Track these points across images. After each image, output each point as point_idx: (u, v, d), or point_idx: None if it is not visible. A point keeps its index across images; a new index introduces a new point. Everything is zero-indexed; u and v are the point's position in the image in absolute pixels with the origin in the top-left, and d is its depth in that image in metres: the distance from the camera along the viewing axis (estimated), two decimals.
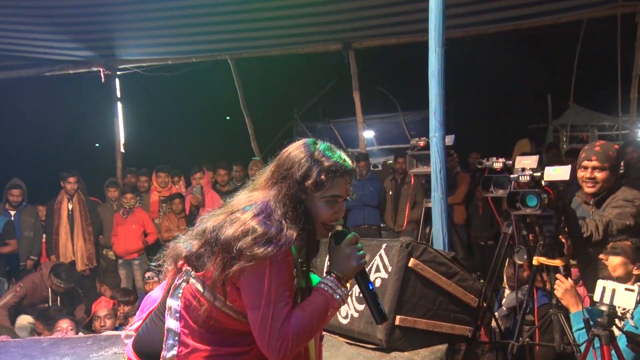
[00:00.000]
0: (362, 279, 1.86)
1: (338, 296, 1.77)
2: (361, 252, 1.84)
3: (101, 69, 8.89)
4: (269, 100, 12.07)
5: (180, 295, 1.81)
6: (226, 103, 10.02)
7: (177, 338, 1.78)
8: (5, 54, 8.40)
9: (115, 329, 5.20)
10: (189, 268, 1.82)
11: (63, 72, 8.96)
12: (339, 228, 1.88)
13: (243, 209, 1.76)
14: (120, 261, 7.39)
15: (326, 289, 1.77)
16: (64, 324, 5.05)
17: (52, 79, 9.17)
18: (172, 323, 1.80)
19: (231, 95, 9.14)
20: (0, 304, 6.05)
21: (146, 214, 7.48)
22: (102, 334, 4.75)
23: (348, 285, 1.84)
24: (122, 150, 9.18)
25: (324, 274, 1.83)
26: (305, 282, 1.88)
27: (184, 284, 1.82)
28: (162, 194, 7.78)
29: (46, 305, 6.20)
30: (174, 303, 1.81)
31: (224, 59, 8.74)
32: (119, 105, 9.27)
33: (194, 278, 1.79)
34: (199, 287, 1.77)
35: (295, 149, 1.83)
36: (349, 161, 1.85)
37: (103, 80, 8.97)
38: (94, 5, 6.94)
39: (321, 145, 1.85)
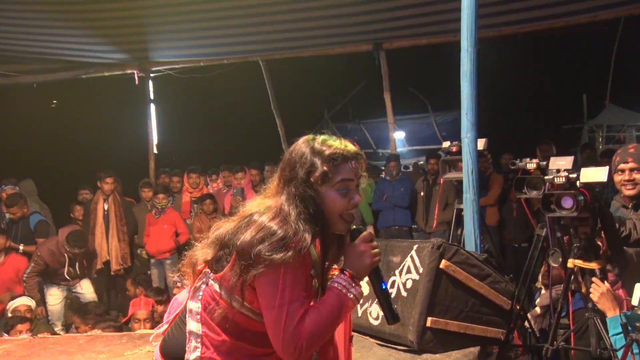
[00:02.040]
0: (376, 277, 1.82)
1: (352, 295, 1.74)
2: (375, 249, 1.80)
3: (135, 71, 9.05)
4: (300, 101, 12.12)
5: (200, 297, 1.83)
6: (257, 104, 10.09)
7: (199, 340, 1.80)
8: (44, 58, 8.62)
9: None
10: (208, 270, 1.83)
11: (98, 74, 9.16)
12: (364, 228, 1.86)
13: (259, 213, 1.75)
14: (152, 260, 7.50)
15: (340, 288, 1.74)
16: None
17: (87, 82, 9.39)
18: (193, 325, 1.81)
19: (262, 96, 9.20)
20: (26, 275, 6.30)
21: (178, 214, 7.58)
22: (136, 332, 4.83)
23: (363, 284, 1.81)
24: (155, 151, 9.33)
25: (338, 272, 1.81)
26: (322, 281, 1.86)
27: (203, 286, 1.83)
28: (194, 195, 7.88)
29: (63, 270, 6.42)
30: (194, 305, 1.83)
31: (255, 60, 8.80)
32: (152, 106, 9.43)
33: (212, 280, 1.80)
34: (217, 288, 1.78)
35: (294, 149, 1.82)
36: (351, 145, 1.83)
37: (137, 82, 9.13)
38: (129, 8, 7.08)
39: (320, 137, 1.83)
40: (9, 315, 5.53)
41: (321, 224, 1.76)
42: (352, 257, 1.79)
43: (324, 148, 1.78)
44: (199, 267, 1.87)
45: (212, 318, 1.79)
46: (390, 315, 1.82)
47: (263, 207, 1.78)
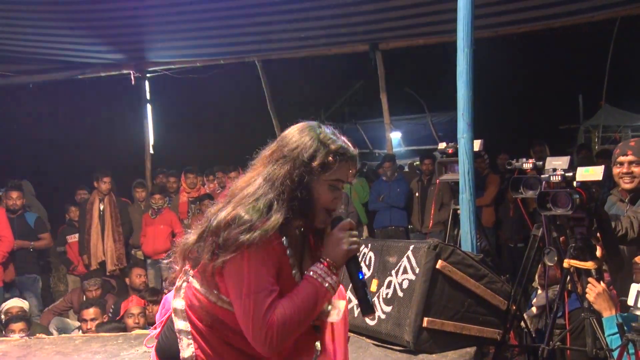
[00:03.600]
0: (354, 266, 1.81)
1: (327, 284, 1.73)
2: (354, 238, 1.79)
3: (131, 72, 9.03)
4: (296, 102, 12.12)
5: (182, 295, 1.84)
6: (253, 104, 10.09)
7: (190, 336, 1.80)
8: (40, 58, 8.60)
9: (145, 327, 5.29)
10: (188, 268, 1.84)
11: (94, 74, 9.14)
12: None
13: (240, 192, 1.75)
14: (148, 261, 7.48)
15: (315, 277, 1.73)
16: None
17: (83, 82, 9.37)
18: (181, 324, 1.82)
19: (258, 97, 9.19)
20: (50, 306, 6.24)
21: (174, 214, 7.57)
22: (132, 332, 4.82)
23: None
24: (151, 151, 9.32)
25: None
26: (302, 271, 1.83)
27: (185, 284, 1.84)
28: (191, 195, 7.86)
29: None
30: (179, 304, 1.84)
31: (252, 60, 8.80)
32: (148, 107, 9.41)
33: (192, 277, 1.81)
34: (196, 284, 1.79)
35: (299, 132, 1.81)
36: (352, 147, 1.84)
37: (133, 82, 9.11)
38: (125, 9, 7.06)
39: (325, 129, 1.83)
40: (2, 317, 5.52)
41: (305, 211, 1.76)
42: (330, 245, 1.78)
43: (330, 141, 1.79)
44: (185, 266, 1.86)
45: (196, 315, 1.79)
46: (366, 306, 1.79)
47: (246, 184, 1.77)
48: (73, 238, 7.57)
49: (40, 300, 7.03)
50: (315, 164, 1.75)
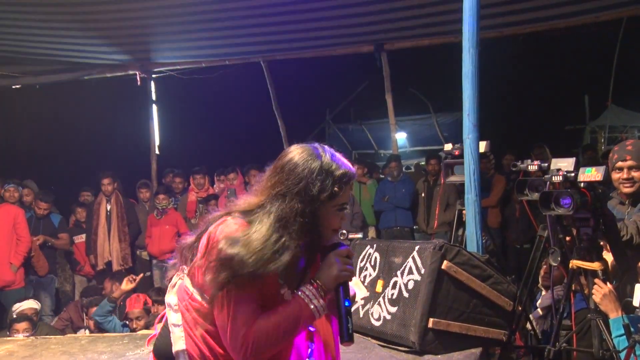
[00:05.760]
0: (343, 292, 1.80)
1: (313, 306, 1.72)
2: (347, 265, 1.80)
3: (137, 73, 9.06)
4: (302, 102, 12.12)
5: (175, 291, 1.86)
6: (259, 105, 10.10)
7: (181, 330, 1.81)
8: (46, 59, 8.64)
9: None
10: (184, 267, 1.86)
11: (100, 75, 9.18)
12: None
13: (248, 216, 1.73)
14: (154, 261, 7.51)
15: (303, 297, 1.73)
16: None
17: (90, 83, 9.41)
18: (174, 317, 1.84)
19: (264, 97, 9.21)
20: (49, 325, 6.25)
21: (179, 214, 7.60)
22: (138, 332, 4.84)
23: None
24: (157, 152, 9.35)
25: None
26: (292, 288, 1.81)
27: (179, 282, 1.87)
28: (200, 195, 7.88)
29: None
30: (172, 299, 1.86)
31: (257, 61, 8.81)
32: (154, 107, 9.44)
33: (186, 275, 1.83)
34: (188, 284, 1.80)
35: (302, 160, 1.76)
36: (351, 166, 1.84)
37: (139, 83, 9.14)
38: (131, 10, 7.09)
39: (325, 151, 1.81)
40: (15, 317, 5.54)
41: (317, 242, 1.78)
42: (323, 267, 1.79)
43: (334, 167, 1.77)
44: (182, 267, 1.89)
45: (188, 311, 1.80)
46: (345, 334, 1.79)
47: (248, 208, 1.76)
48: (80, 238, 7.61)
49: (54, 300, 7.10)
50: (323, 196, 1.74)
